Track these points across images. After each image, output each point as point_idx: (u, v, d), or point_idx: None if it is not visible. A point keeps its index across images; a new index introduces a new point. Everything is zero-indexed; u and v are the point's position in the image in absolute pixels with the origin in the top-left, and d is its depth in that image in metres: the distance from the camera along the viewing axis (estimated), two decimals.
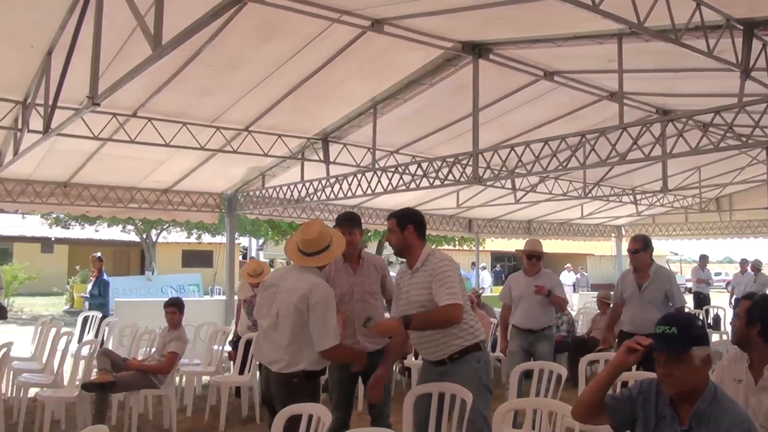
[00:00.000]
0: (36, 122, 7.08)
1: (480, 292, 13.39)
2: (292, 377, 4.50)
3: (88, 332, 10.45)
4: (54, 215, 25.00)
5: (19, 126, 7.73)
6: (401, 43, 6.71)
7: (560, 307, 7.49)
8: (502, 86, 8.12)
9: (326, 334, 4.43)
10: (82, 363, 7.51)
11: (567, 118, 9.18)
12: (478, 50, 7.10)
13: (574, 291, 25.54)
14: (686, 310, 7.59)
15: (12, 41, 6.38)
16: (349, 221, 5.43)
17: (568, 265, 30.71)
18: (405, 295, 4.62)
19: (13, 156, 8.20)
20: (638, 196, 14.00)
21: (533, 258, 7.36)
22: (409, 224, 4.60)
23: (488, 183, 9.60)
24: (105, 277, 11.74)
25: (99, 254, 12.07)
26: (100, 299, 11.61)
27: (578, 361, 5.91)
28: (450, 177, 8.73)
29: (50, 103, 6.38)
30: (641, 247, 6.95)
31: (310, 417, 3.85)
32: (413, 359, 9.33)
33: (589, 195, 12.58)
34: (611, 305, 7.93)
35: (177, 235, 31.85)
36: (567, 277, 29.34)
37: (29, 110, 7.32)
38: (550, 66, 7.65)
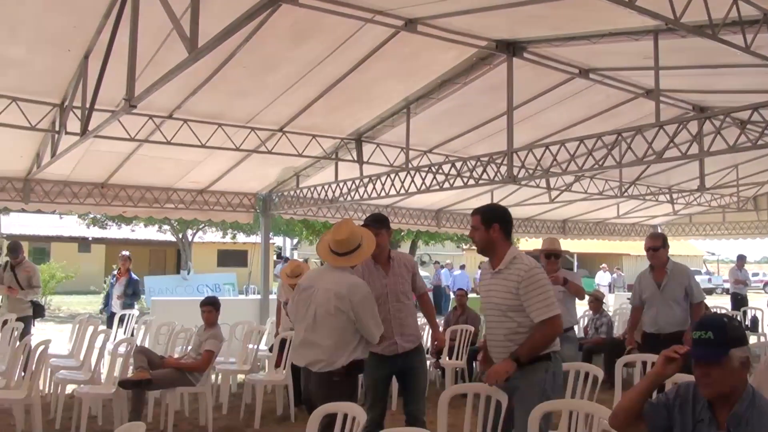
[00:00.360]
0: (73, 124, 7.22)
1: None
2: (332, 376, 4.68)
3: (124, 331, 10.58)
4: (91, 215, 25.36)
5: (57, 128, 7.87)
6: (435, 43, 6.71)
7: (579, 294, 7.39)
8: (536, 84, 8.07)
9: (378, 328, 4.80)
10: (119, 360, 7.62)
11: (602, 116, 9.10)
12: (512, 48, 7.07)
13: (610, 291, 25.26)
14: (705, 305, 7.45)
15: (50, 46, 6.52)
16: (376, 222, 5.44)
17: (604, 265, 30.44)
18: (485, 295, 4.52)
19: (51, 157, 8.35)
20: (675, 195, 13.80)
21: (551, 257, 7.26)
22: (495, 222, 4.43)
23: (523, 182, 9.55)
24: (134, 276, 11.85)
25: (128, 253, 12.17)
26: (134, 298, 11.79)
27: (614, 363, 5.84)
28: (484, 176, 8.69)
29: (87, 105, 6.49)
30: (661, 244, 6.91)
31: (345, 416, 3.85)
32: (447, 359, 9.33)
33: (625, 194, 12.42)
34: (631, 308, 7.75)
35: (212, 235, 32.20)
36: (602, 277, 29.08)
37: (67, 113, 7.45)
38: (585, 63, 7.58)
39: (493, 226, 4.41)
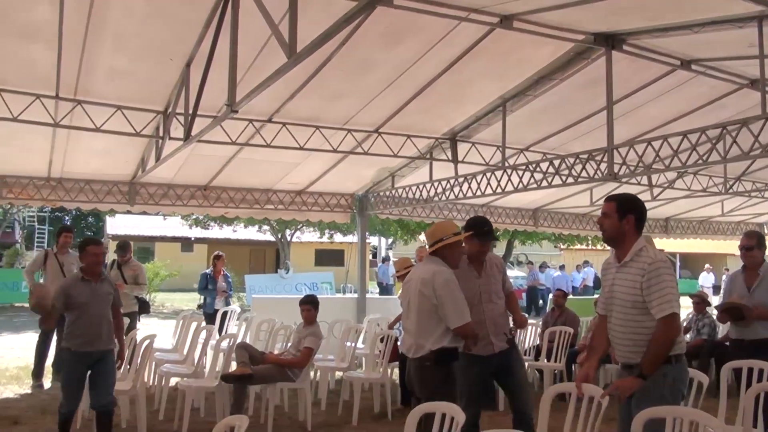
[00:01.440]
0: (177, 130, 7.51)
1: None
2: (424, 361, 4.92)
3: (224, 327, 10.89)
4: (194, 216, 26.18)
5: (161, 134, 8.18)
6: (530, 38, 6.61)
7: None
8: (636, 78, 7.83)
9: (459, 312, 4.89)
10: (221, 355, 7.86)
11: (706, 108, 8.74)
12: (610, 41, 6.86)
13: (715, 293, 24.23)
14: None
15: (153, 56, 6.82)
16: (479, 227, 5.52)
17: (708, 266, 29.14)
18: (608, 289, 4.32)
19: (156, 162, 8.70)
20: None
21: None
22: (630, 213, 4.21)
23: (623, 180, 9.28)
24: (227, 273, 12.28)
25: (222, 253, 12.56)
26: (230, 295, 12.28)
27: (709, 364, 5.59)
28: (583, 174, 8.51)
29: (190, 111, 6.73)
30: (756, 243, 6.48)
31: (444, 416, 3.85)
32: (545, 361, 9.21)
33: (730, 191, 11.92)
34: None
35: (310, 235, 32.75)
36: (706, 279, 27.85)
37: (170, 119, 7.74)
38: (687, 54, 7.28)
39: (627, 217, 4.20)
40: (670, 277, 4.06)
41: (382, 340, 8.40)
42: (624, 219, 4.20)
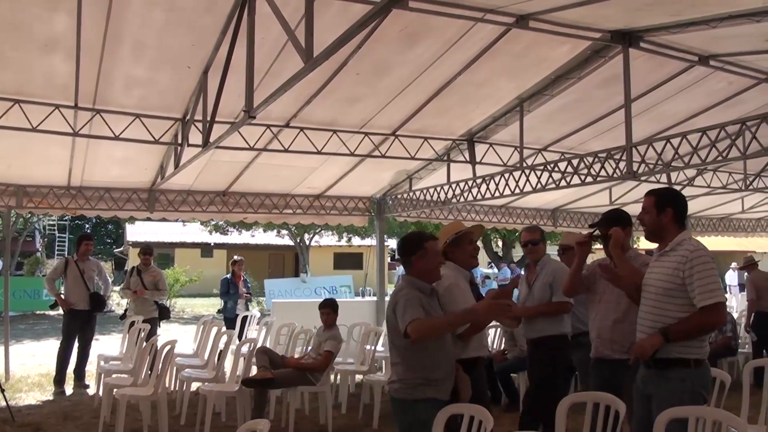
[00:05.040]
0: (195, 137, 7.54)
1: None
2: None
3: (244, 332, 10.94)
4: (213, 222, 26.32)
5: (180, 141, 8.23)
6: (547, 38, 6.59)
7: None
8: (654, 75, 7.77)
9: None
10: (241, 360, 7.89)
11: (725, 104, 8.65)
12: (628, 39, 6.79)
13: (741, 291, 23.95)
14: None
15: (170, 64, 6.86)
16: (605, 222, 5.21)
17: (735, 264, 28.77)
18: (646, 279, 4.29)
19: (175, 169, 8.74)
20: None
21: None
22: (668, 206, 4.20)
23: (642, 178, 9.22)
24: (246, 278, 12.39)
25: (240, 257, 12.65)
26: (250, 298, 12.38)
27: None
28: (602, 173, 8.46)
29: (208, 118, 6.77)
30: None
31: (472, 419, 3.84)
32: None
33: (750, 187, 11.80)
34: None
35: (329, 239, 32.86)
36: (732, 277, 27.61)
37: (189, 126, 7.78)
38: (705, 50, 7.19)
39: (665, 210, 4.20)
40: (713, 266, 4.00)
41: None
42: (662, 213, 4.20)
